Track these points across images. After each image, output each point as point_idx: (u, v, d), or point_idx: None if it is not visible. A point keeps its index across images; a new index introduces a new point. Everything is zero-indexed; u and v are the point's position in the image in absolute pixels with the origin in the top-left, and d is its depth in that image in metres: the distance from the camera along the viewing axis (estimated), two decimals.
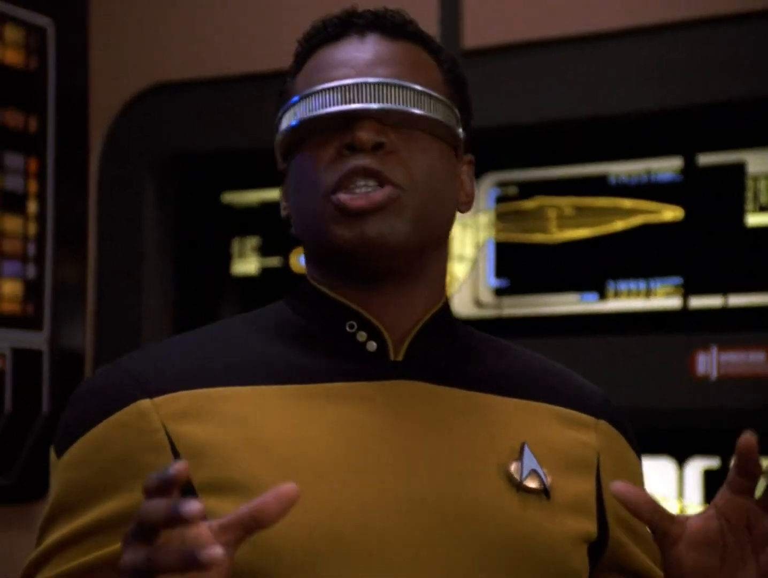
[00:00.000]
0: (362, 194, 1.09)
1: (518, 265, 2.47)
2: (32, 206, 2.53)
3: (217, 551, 0.86)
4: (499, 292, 2.48)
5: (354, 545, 1.04)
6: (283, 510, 0.89)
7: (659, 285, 2.37)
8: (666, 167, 2.38)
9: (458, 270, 2.50)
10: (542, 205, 2.45)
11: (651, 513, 1.02)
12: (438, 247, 1.16)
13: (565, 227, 2.43)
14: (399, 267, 1.12)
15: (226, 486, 1.05)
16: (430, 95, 1.12)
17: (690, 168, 2.36)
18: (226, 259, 2.72)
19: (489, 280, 2.49)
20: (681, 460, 2.35)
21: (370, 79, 1.11)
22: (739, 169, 2.32)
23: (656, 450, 2.35)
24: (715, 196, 2.34)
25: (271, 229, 2.68)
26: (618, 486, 1.02)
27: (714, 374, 2.25)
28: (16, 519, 2.48)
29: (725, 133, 2.33)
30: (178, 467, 0.88)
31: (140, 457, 1.07)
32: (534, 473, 1.11)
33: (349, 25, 1.16)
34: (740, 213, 2.31)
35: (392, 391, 1.11)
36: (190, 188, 2.72)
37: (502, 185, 2.47)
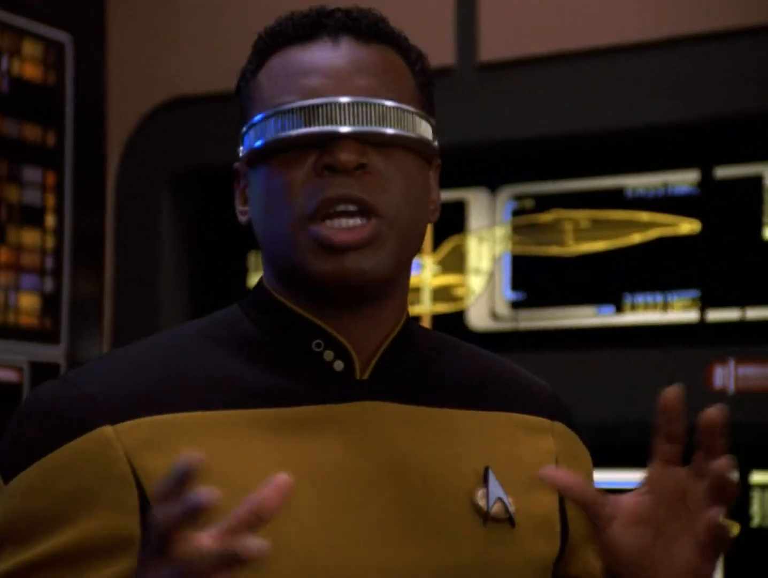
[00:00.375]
0: (345, 229, 1.05)
1: (535, 278, 2.47)
2: (50, 220, 2.54)
3: (257, 540, 0.83)
4: (515, 305, 2.48)
5: None
6: (281, 502, 0.86)
7: (676, 298, 2.37)
8: (683, 179, 2.38)
9: (474, 283, 2.50)
10: (559, 218, 2.45)
11: (581, 494, 1.00)
12: (409, 265, 1.13)
13: (581, 240, 2.43)
14: (374, 295, 1.09)
15: (196, 525, 1.02)
16: (407, 111, 1.09)
17: (707, 181, 2.35)
18: (242, 272, 2.72)
19: (505, 293, 2.49)
20: None
21: (346, 99, 1.06)
22: (757, 182, 2.32)
23: None
24: (733, 209, 2.33)
25: None
26: (545, 471, 1.00)
27: (731, 387, 2.24)
28: None
29: (742, 146, 2.33)
30: (206, 495, 0.84)
31: (101, 488, 1.01)
32: (499, 501, 1.10)
33: (321, 25, 1.10)
34: (758, 226, 2.31)
35: (359, 416, 1.08)
36: (207, 201, 2.72)
37: (518, 198, 2.47)
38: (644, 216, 2.39)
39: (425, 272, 2.54)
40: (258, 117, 1.09)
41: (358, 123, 1.06)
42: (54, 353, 2.53)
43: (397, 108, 1.08)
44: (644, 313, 2.38)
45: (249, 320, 1.12)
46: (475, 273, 2.50)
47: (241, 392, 1.07)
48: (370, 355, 1.11)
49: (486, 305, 2.50)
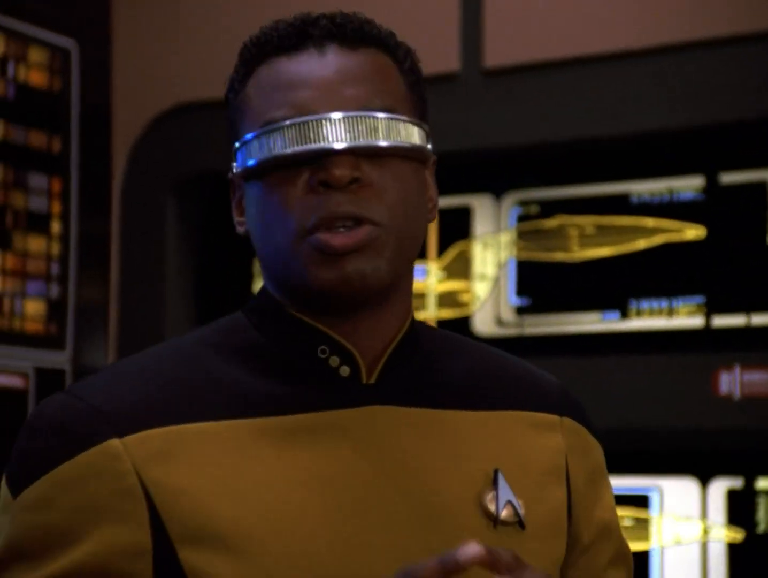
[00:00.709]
0: (344, 234, 1.05)
1: (540, 284, 2.47)
2: (56, 226, 2.55)
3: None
4: (520, 311, 2.48)
5: None
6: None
7: (681, 304, 2.37)
8: (688, 185, 2.38)
9: (480, 289, 2.50)
10: (564, 224, 2.45)
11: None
12: (410, 268, 1.13)
13: (586, 245, 2.43)
14: (375, 299, 1.09)
15: (207, 537, 1.00)
16: (399, 120, 1.09)
17: (712, 187, 2.35)
18: (248, 278, 2.72)
19: (510, 299, 2.49)
20: (704, 480, 2.34)
21: (337, 115, 1.06)
22: (762, 188, 2.32)
23: (679, 469, 2.34)
24: (738, 214, 2.33)
25: None
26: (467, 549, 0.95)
27: (737, 393, 2.24)
28: None
29: (747, 152, 2.33)
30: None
31: (110, 502, 1.01)
32: (509, 504, 1.09)
33: (306, 35, 1.09)
34: (763, 231, 2.31)
35: (366, 421, 1.08)
36: (212, 207, 2.72)
37: (523, 203, 2.47)
38: (649, 222, 2.39)
39: (430, 278, 2.54)
40: (249, 135, 1.09)
41: (351, 138, 1.06)
42: (59, 359, 2.53)
43: (389, 118, 1.08)
44: (649, 319, 2.38)
45: (253, 328, 1.12)
46: (480, 279, 2.50)
47: (248, 401, 1.07)
48: (375, 359, 1.11)
49: (491, 311, 2.50)
